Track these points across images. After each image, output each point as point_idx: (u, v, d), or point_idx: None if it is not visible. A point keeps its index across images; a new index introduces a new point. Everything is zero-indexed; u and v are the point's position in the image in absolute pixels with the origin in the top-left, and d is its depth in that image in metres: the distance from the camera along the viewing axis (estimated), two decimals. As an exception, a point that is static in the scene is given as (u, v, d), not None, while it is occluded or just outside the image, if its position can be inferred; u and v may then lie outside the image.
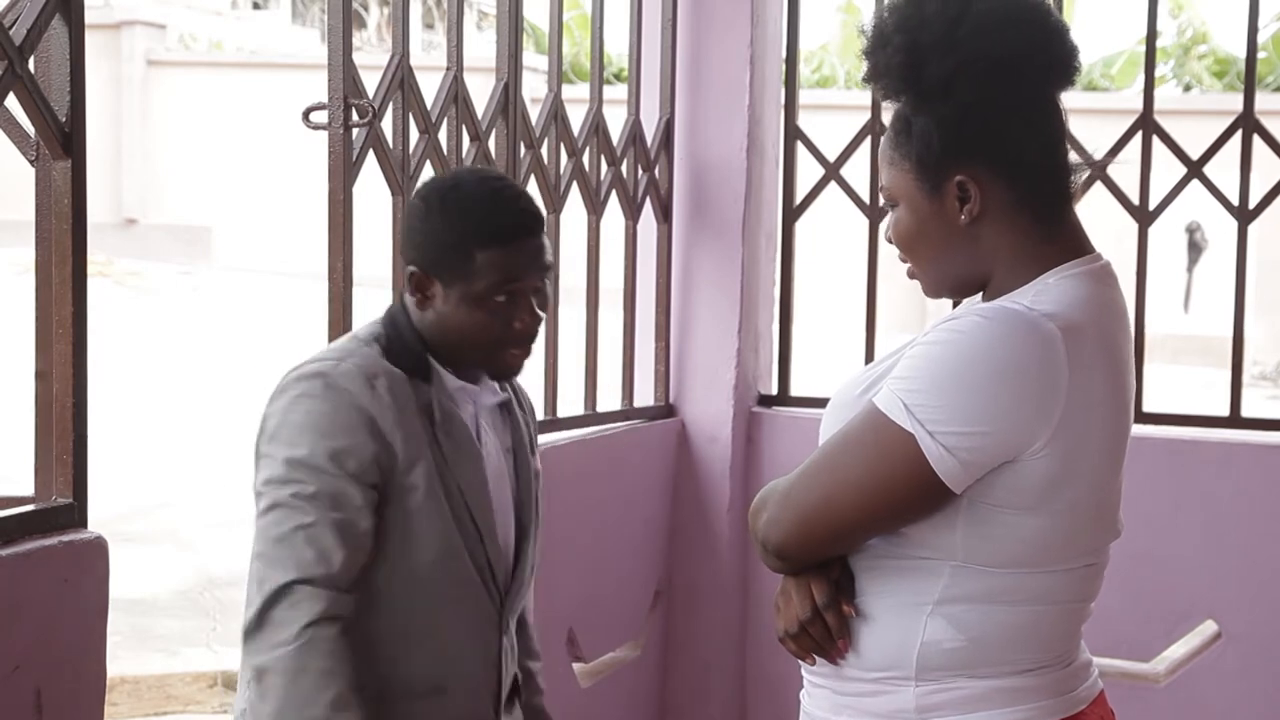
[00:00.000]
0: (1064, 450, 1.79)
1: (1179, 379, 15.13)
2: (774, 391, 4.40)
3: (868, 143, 4.23)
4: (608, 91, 4.06)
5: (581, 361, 3.95)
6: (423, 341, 2.31)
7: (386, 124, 3.04)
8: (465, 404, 2.33)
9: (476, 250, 2.24)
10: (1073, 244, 1.89)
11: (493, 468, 2.34)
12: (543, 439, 3.62)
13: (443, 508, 2.25)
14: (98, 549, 2.33)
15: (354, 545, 2.19)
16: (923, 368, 1.79)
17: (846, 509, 1.83)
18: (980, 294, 1.93)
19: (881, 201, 4.29)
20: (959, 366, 1.77)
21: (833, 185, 4.32)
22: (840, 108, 12.06)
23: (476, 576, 2.30)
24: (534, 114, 3.63)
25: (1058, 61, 1.86)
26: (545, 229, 2.32)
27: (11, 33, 2.20)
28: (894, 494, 1.80)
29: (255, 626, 2.13)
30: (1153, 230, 4.11)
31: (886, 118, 4.07)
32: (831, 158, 4.30)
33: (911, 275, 1.95)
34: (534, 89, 7.01)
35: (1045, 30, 1.85)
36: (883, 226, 2.02)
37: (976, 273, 1.89)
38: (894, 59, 1.84)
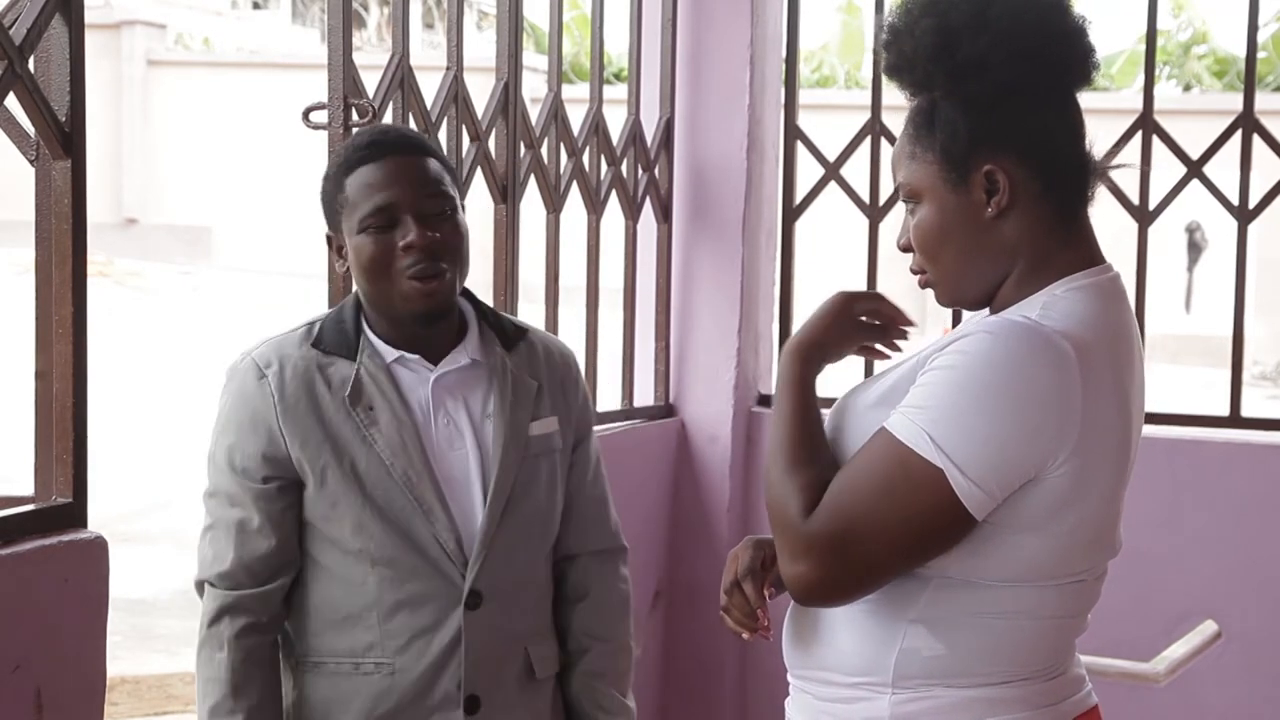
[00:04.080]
0: (1075, 472, 1.76)
1: (1179, 379, 15.15)
2: (774, 391, 4.38)
3: (868, 143, 4.23)
4: (608, 91, 4.06)
5: (582, 362, 3.94)
6: (358, 318, 2.28)
7: (386, 123, 3.03)
8: (406, 374, 2.27)
9: (347, 180, 2.22)
10: (1085, 252, 1.86)
11: (442, 436, 2.27)
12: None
13: (359, 484, 2.21)
14: (98, 549, 2.32)
15: (246, 543, 2.23)
16: (941, 395, 1.75)
17: (877, 549, 1.77)
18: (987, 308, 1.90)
19: (883, 200, 4.32)
20: (978, 390, 1.73)
21: (833, 185, 4.32)
22: (840, 108, 12.09)
23: (413, 550, 2.22)
24: (534, 114, 3.63)
25: (1079, 56, 1.85)
26: (427, 155, 2.24)
27: (11, 33, 2.20)
28: (924, 529, 1.75)
29: None
30: (1153, 230, 4.11)
31: (888, 118, 4.12)
32: (831, 158, 4.30)
33: (925, 284, 1.91)
34: (534, 89, 7.02)
35: (1067, 24, 1.84)
36: (893, 232, 1.98)
37: (997, 273, 1.85)
38: (924, 39, 1.82)
